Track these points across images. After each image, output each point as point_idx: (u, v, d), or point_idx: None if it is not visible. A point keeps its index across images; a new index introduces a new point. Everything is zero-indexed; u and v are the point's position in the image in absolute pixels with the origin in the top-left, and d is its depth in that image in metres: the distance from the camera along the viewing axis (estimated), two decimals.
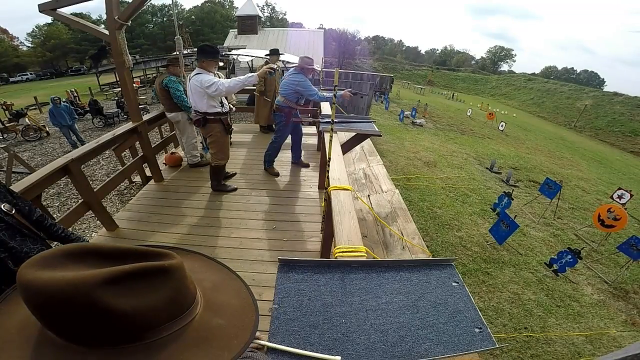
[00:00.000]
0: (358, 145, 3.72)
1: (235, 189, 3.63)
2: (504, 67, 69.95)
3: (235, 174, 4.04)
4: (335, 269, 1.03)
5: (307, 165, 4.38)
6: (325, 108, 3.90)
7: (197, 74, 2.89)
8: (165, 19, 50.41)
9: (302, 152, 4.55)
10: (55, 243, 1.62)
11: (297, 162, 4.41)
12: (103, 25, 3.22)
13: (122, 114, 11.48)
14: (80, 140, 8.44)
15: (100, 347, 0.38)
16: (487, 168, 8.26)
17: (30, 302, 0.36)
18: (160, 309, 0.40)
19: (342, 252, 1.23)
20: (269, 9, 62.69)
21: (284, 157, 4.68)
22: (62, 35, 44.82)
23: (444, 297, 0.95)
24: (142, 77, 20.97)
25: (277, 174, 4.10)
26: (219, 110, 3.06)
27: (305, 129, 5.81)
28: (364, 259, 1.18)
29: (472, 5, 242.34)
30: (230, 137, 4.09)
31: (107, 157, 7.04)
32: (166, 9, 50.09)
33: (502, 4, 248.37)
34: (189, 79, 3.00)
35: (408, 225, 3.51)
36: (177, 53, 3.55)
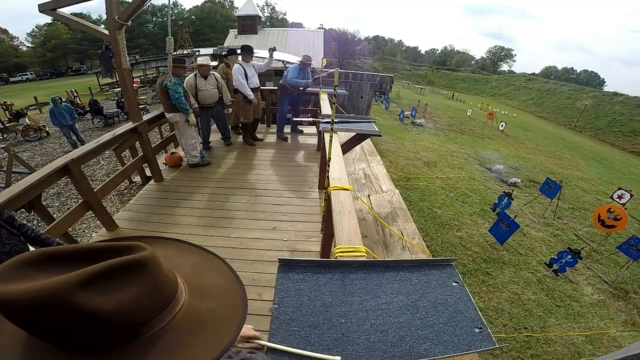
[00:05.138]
0: (358, 145, 3.72)
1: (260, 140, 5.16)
2: (504, 67, 69.98)
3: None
4: (335, 269, 1.03)
5: (285, 139, 5.35)
6: (325, 108, 3.92)
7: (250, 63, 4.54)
8: (165, 19, 50.39)
9: (302, 152, 4.76)
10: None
11: (280, 136, 5.36)
12: (103, 25, 3.22)
13: (122, 114, 11.48)
14: (80, 140, 8.44)
15: (97, 352, 0.36)
16: (487, 168, 8.26)
17: (8, 317, 0.33)
18: (145, 303, 0.39)
19: (342, 252, 1.23)
20: (269, 9, 62.74)
21: (284, 156, 4.69)
22: (62, 35, 44.83)
23: (444, 297, 0.95)
24: (142, 77, 20.97)
25: (286, 139, 5.32)
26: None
27: (306, 129, 5.84)
28: (364, 259, 1.18)
29: (471, 5, 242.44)
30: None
31: (107, 157, 7.04)
32: (166, 9, 50.11)
33: (501, 4, 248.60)
34: (240, 68, 4.40)
35: (408, 225, 3.51)
36: (177, 53, 3.53)
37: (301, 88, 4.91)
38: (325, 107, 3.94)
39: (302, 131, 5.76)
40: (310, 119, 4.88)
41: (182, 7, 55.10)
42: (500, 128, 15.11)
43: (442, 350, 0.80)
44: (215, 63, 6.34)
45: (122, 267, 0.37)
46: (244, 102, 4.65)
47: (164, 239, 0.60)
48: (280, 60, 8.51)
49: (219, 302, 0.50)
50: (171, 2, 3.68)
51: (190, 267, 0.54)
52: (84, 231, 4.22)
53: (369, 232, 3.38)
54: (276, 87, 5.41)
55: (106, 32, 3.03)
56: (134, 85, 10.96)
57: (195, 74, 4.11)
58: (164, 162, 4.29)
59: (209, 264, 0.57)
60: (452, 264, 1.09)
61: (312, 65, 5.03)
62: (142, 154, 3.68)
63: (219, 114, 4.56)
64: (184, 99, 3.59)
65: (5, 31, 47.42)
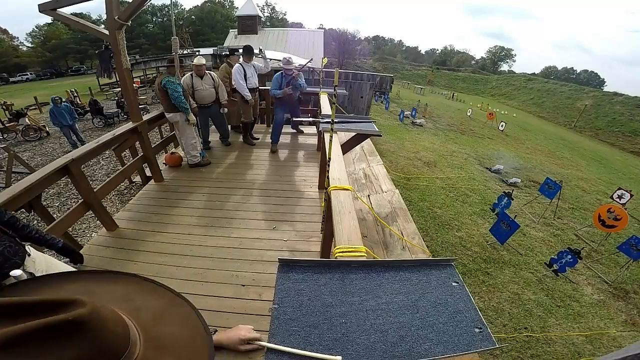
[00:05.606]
0: (358, 145, 3.72)
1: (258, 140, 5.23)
2: (504, 67, 69.86)
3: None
4: (335, 269, 1.03)
5: (275, 145, 4.94)
6: (325, 108, 3.92)
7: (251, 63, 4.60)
8: (165, 19, 50.36)
9: (302, 152, 4.82)
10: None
11: (275, 143, 4.94)
12: (103, 25, 3.22)
13: (122, 114, 11.48)
14: (80, 140, 8.44)
15: None
16: (487, 168, 8.26)
17: None
18: None
19: (342, 252, 1.23)
20: (269, 9, 62.71)
21: (284, 156, 4.69)
22: (62, 35, 44.80)
23: (444, 297, 0.95)
24: (142, 77, 20.97)
25: (276, 151, 4.88)
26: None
27: (306, 129, 5.85)
28: (364, 259, 1.18)
29: (471, 5, 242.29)
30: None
31: (107, 157, 7.04)
32: (166, 9, 50.01)
33: (501, 4, 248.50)
34: (240, 67, 4.44)
35: (408, 225, 3.51)
36: (176, 53, 3.53)
37: (289, 93, 4.64)
38: (325, 107, 3.94)
39: (302, 131, 5.75)
40: (310, 119, 4.87)
41: (182, 7, 55.04)
42: (500, 128, 15.11)
43: (442, 350, 0.80)
44: (209, 63, 6.38)
45: (53, 328, 0.33)
46: (242, 102, 4.67)
47: (126, 276, 0.54)
48: (280, 60, 8.52)
49: (179, 358, 0.44)
50: (172, 2, 3.68)
51: (152, 312, 0.48)
52: (84, 231, 4.22)
53: (369, 232, 3.38)
54: None
55: (106, 32, 3.03)
56: (134, 85, 10.98)
57: (191, 74, 4.12)
58: (164, 162, 4.29)
59: (174, 310, 0.51)
60: (452, 264, 1.09)
61: (300, 66, 4.78)
62: (142, 154, 3.68)
63: (217, 113, 4.56)
64: (183, 98, 3.60)
65: (5, 31, 47.41)
